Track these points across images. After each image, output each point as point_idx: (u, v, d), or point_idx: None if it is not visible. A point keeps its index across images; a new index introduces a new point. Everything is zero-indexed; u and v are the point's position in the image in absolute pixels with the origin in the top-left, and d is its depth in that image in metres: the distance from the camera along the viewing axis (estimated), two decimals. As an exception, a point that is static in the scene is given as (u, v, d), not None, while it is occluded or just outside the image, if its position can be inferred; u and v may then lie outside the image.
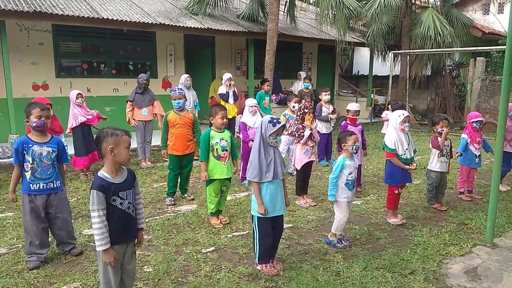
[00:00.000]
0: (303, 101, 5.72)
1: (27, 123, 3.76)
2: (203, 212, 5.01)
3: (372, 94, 14.44)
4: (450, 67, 14.74)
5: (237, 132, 6.83)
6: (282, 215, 3.74)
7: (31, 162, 3.66)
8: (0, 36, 7.76)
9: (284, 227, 3.92)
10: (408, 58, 13.14)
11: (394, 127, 4.72)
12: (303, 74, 12.08)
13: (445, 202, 5.56)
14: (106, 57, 10.31)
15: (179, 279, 3.52)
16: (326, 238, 4.32)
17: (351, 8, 11.08)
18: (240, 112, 8.13)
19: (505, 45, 4.12)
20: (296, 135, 5.45)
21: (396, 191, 4.85)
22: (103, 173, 2.71)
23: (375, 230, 4.64)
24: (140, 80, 7.42)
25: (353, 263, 3.83)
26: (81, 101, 6.39)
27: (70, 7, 8.45)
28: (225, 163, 4.63)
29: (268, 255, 3.67)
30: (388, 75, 13.07)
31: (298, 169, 5.45)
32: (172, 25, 9.43)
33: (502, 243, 4.35)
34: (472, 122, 5.73)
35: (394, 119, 4.74)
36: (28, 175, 3.69)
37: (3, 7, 7.28)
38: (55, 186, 3.79)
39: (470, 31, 14.21)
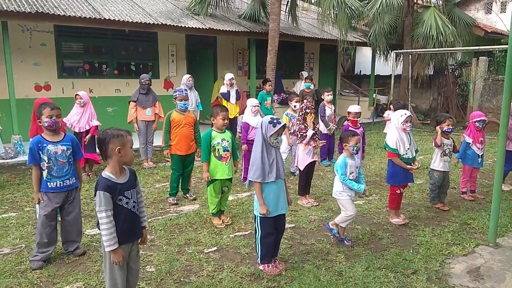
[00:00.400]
0: (305, 101, 5.70)
1: (40, 123, 3.81)
2: (205, 212, 5.01)
3: (374, 94, 14.42)
4: (453, 67, 14.71)
5: (239, 132, 6.83)
6: (284, 214, 3.74)
7: (47, 161, 3.70)
8: (2, 37, 7.80)
9: (286, 227, 3.93)
10: (410, 58, 13.12)
11: (396, 127, 4.72)
12: (305, 74, 12.07)
13: (448, 202, 5.55)
14: (108, 57, 10.34)
15: (182, 279, 3.53)
16: (327, 223, 4.34)
17: (353, 7, 11.06)
18: (242, 112, 8.13)
19: (507, 44, 4.10)
20: (298, 136, 5.44)
21: (398, 191, 4.84)
22: (107, 173, 2.72)
23: (377, 230, 4.63)
24: (143, 80, 7.43)
25: (356, 263, 3.83)
26: (79, 102, 6.38)
27: (72, 8, 8.47)
28: (227, 163, 4.64)
29: (270, 255, 3.67)
30: (390, 74, 13.05)
31: (301, 169, 5.45)
32: (173, 25, 9.44)
33: (505, 243, 4.34)
34: (475, 121, 5.71)
35: (396, 118, 4.73)
36: (44, 173, 3.73)
37: (5, 8, 7.31)
38: (71, 183, 3.85)
39: (473, 30, 14.18)
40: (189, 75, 8.42)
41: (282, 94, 12.30)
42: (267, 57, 10.30)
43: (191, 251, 4.05)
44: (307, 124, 5.38)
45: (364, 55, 18.19)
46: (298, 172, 5.75)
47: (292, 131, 6.47)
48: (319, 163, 6.27)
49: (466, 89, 13.60)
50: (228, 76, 8.44)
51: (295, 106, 6.51)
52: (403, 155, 4.69)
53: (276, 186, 3.59)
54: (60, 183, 3.76)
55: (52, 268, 3.70)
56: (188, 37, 11.27)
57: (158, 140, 7.60)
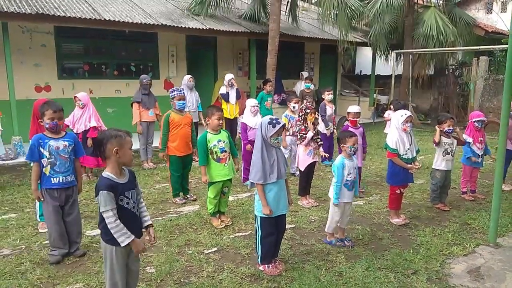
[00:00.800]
0: (304, 101, 5.70)
1: (41, 123, 3.84)
2: (205, 213, 5.01)
3: (374, 94, 14.40)
4: (453, 67, 14.69)
5: (239, 132, 6.82)
6: (285, 214, 3.74)
7: (48, 156, 3.73)
8: (2, 38, 7.81)
9: (286, 227, 3.92)
10: (410, 58, 13.10)
11: (396, 127, 4.71)
12: (305, 74, 12.06)
13: (448, 202, 5.54)
14: (108, 58, 10.34)
15: (182, 280, 3.53)
16: (324, 239, 4.31)
17: (353, 7, 11.05)
18: (242, 112, 8.12)
19: (508, 44, 4.10)
20: (298, 137, 5.43)
21: (398, 191, 4.84)
22: (108, 173, 2.74)
23: (377, 230, 4.63)
24: (144, 81, 7.43)
25: (356, 263, 3.83)
26: (78, 104, 6.37)
27: (72, 8, 8.48)
28: (226, 164, 4.63)
29: (270, 255, 3.67)
30: (391, 74, 13.03)
31: (302, 170, 5.44)
32: (174, 26, 9.45)
33: (505, 243, 4.33)
34: (474, 121, 5.71)
35: (396, 119, 4.73)
36: (47, 170, 3.75)
37: (5, 9, 7.32)
38: (71, 179, 3.88)
39: (473, 30, 14.16)
40: (189, 76, 8.42)
41: (283, 94, 12.29)
42: (267, 57, 10.29)
43: (191, 251, 4.05)
44: (307, 124, 5.37)
45: (365, 55, 18.18)
46: (298, 172, 5.74)
47: (291, 132, 6.47)
48: (319, 163, 6.27)
49: (467, 89, 13.59)
50: (228, 76, 8.44)
51: (293, 107, 6.51)
52: (403, 155, 4.69)
53: (277, 187, 3.58)
54: (63, 179, 3.80)
55: (52, 269, 3.70)
56: (188, 38, 11.27)
57: (158, 141, 7.62)
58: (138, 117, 7.34)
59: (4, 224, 4.76)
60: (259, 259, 3.68)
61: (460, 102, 14.26)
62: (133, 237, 2.71)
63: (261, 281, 3.51)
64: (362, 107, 6.61)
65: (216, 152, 4.58)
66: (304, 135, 5.35)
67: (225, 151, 4.63)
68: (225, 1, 11.09)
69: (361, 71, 18.97)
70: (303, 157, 5.41)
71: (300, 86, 11.66)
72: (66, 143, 3.82)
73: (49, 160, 3.74)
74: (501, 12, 18.06)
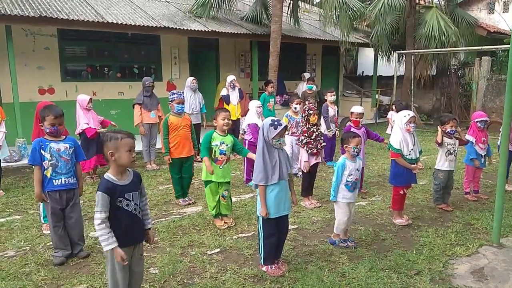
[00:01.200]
0: (306, 102, 5.71)
1: (42, 127, 3.86)
2: (208, 214, 5.02)
3: (377, 95, 14.40)
4: (455, 67, 14.67)
5: (242, 134, 6.84)
6: (287, 215, 3.75)
7: (49, 158, 3.75)
8: (6, 41, 7.86)
9: (289, 228, 3.92)
10: (412, 58, 13.10)
11: (399, 127, 4.71)
12: (307, 75, 12.08)
13: (451, 202, 5.53)
14: (111, 60, 10.39)
15: (185, 281, 3.54)
16: (329, 238, 4.32)
17: (354, 8, 11.07)
18: (244, 114, 8.14)
19: (510, 44, 4.10)
20: (301, 139, 5.41)
21: (401, 192, 4.84)
22: (109, 175, 2.76)
23: (380, 231, 4.63)
24: (147, 83, 7.46)
25: (359, 264, 3.83)
26: (90, 106, 6.43)
27: (75, 11, 8.52)
28: (221, 167, 4.65)
29: (273, 256, 3.68)
30: (393, 75, 13.03)
31: (305, 171, 5.44)
32: (176, 28, 9.48)
33: (509, 243, 4.32)
34: (476, 121, 5.70)
35: (399, 119, 4.73)
36: (49, 172, 3.77)
37: (9, 12, 7.37)
38: (73, 181, 3.90)
39: (475, 30, 14.14)
40: (193, 78, 8.44)
41: (285, 95, 12.30)
42: (269, 59, 10.32)
43: (194, 252, 4.06)
44: (310, 125, 5.37)
45: (367, 56, 18.18)
46: (300, 173, 5.74)
47: (290, 132, 6.47)
48: (323, 164, 6.28)
49: (469, 89, 13.57)
50: (230, 78, 8.47)
51: (295, 108, 6.52)
52: (406, 155, 4.69)
53: (278, 188, 3.59)
54: (65, 180, 3.83)
55: (56, 270, 3.72)
56: (191, 40, 11.31)
57: (161, 143, 7.65)
58: (140, 118, 7.37)
59: (9, 225, 4.79)
60: (262, 260, 3.69)
61: (462, 102, 14.25)
62: (115, 245, 2.68)
63: (264, 282, 3.51)
64: (364, 108, 6.60)
65: (215, 152, 4.62)
66: (305, 139, 5.33)
67: (224, 154, 4.65)
68: (227, 3, 11.13)
69: (363, 72, 18.97)
70: (306, 158, 5.41)
71: (302, 87, 11.68)
72: (67, 145, 3.85)
73: (51, 162, 3.76)
74: (503, 12, 18.01)
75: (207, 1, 10.62)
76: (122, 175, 2.79)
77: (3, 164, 6.44)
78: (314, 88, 10.26)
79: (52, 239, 3.92)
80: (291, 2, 12.12)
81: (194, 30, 9.76)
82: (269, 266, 3.66)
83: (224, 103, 8.42)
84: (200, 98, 8.44)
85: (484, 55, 12.94)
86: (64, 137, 3.92)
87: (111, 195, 2.70)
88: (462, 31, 13.07)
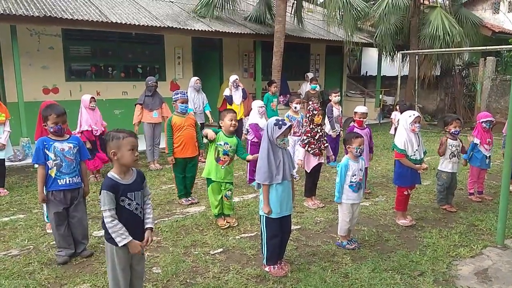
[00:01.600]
0: (310, 102, 5.70)
1: (45, 127, 3.86)
2: (211, 214, 5.02)
3: (380, 95, 14.37)
4: (460, 67, 14.60)
5: (245, 133, 6.83)
6: (290, 215, 3.74)
7: (54, 158, 3.76)
8: (11, 40, 7.90)
9: (292, 228, 3.92)
10: (416, 58, 13.05)
11: (404, 128, 4.69)
12: (310, 75, 12.07)
13: (455, 203, 5.51)
14: (115, 60, 10.42)
15: (188, 281, 3.54)
16: (336, 242, 4.30)
17: (358, 8, 11.05)
18: (247, 114, 8.14)
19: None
20: (303, 138, 5.41)
21: (406, 192, 4.82)
22: (112, 174, 2.77)
23: (384, 232, 4.61)
24: (150, 82, 7.47)
25: (362, 264, 3.82)
26: (94, 105, 6.44)
27: (80, 11, 8.55)
28: (223, 167, 4.64)
29: (275, 256, 3.67)
30: (397, 75, 12.99)
31: (308, 171, 5.43)
32: (180, 28, 9.50)
33: (513, 245, 4.30)
34: (482, 122, 5.67)
35: (404, 119, 4.71)
36: (53, 171, 3.78)
37: (14, 12, 7.40)
38: (77, 181, 3.91)
39: (480, 30, 14.08)
40: (196, 78, 8.46)
41: (288, 95, 12.28)
42: (273, 58, 10.31)
43: (197, 252, 4.06)
44: (314, 125, 5.36)
45: (370, 56, 18.14)
46: (296, 174, 5.70)
47: (292, 132, 6.46)
48: (325, 164, 6.27)
49: (474, 90, 13.50)
50: (232, 78, 8.47)
51: (295, 108, 6.52)
52: (411, 156, 4.67)
53: (281, 188, 3.58)
54: (69, 180, 3.83)
55: (60, 270, 3.73)
56: (194, 40, 11.33)
57: (164, 142, 7.66)
58: (138, 118, 7.39)
59: (13, 224, 4.81)
60: (265, 260, 3.69)
61: (466, 102, 14.17)
62: (130, 238, 2.71)
63: (266, 282, 3.51)
64: (368, 108, 6.58)
65: (219, 151, 4.62)
66: (307, 139, 5.32)
67: (227, 155, 4.65)
68: (230, 3, 11.13)
69: (366, 72, 18.92)
70: (309, 158, 5.40)
71: (306, 87, 11.67)
72: (71, 145, 3.86)
73: (55, 162, 3.77)
74: (508, 12, 17.92)
75: (211, 1, 10.63)
76: (125, 174, 2.80)
77: (7, 163, 6.47)
78: (318, 88, 10.24)
79: (55, 238, 3.94)
80: (295, 2, 12.11)
81: (198, 30, 9.77)
82: (272, 266, 3.66)
83: (227, 103, 8.42)
84: (204, 98, 8.45)
85: (488, 55, 12.87)
86: (68, 136, 3.93)
87: (114, 193, 2.71)
88: (467, 31, 13.02)
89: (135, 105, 7.50)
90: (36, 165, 3.91)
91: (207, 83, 11.20)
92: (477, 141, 5.66)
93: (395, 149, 4.77)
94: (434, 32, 12.10)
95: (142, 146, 6.31)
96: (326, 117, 7.41)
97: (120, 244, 2.70)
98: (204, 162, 4.99)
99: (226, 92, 8.49)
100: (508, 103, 10.95)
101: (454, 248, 4.18)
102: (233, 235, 4.51)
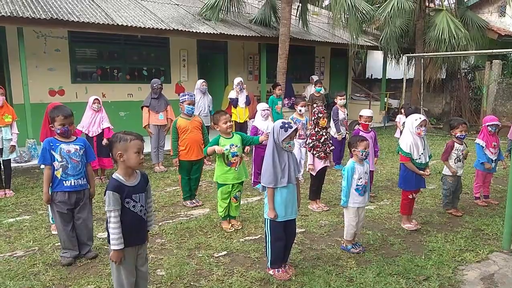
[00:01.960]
0: (314, 105, 5.69)
1: (52, 128, 3.88)
2: (215, 216, 5.02)
3: (385, 98, 14.33)
4: (466, 70, 14.53)
5: (249, 135, 6.84)
6: (295, 219, 3.73)
7: (60, 159, 3.77)
8: (18, 42, 7.96)
9: (296, 231, 3.90)
10: (422, 61, 13.00)
11: (410, 131, 4.67)
12: (315, 78, 12.05)
13: (461, 207, 5.47)
14: (121, 62, 10.47)
15: (192, 283, 3.54)
16: (341, 245, 4.28)
17: (364, 11, 11.03)
18: (252, 116, 8.15)
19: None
20: (309, 141, 5.39)
21: (410, 196, 4.79)
22: (117, 175, 2.78)
23: (389, 236, 4.59)
24: (155, 85, 7.50)
25: (367, 268, 3.79)
26: (96, 106, 6.49)
27: (86, 14, 8.61)
28: (236, 168, 4.62)
29: (280, 260, 3.66)
30: (402, 78, 12.95)
31: (314, 174, 5.42)
32: (185, 30, 9.53)
33: (520, 250, 4.26)
34: (487, 125, 5.64)
35: (410, 122, 4.68)
36: (59, 173, 3.79)
37: (21, 15, 7.47)
38: (83, 183, 3.92)
39: (486, 33, 14.00)
40: (202, 80, 8.48)
41: (293, 98, 12.28)
42: (278, 61, 10.32)
43: (201, 255, 4.06)
44: (319, 128, 5.35)
45: (376, 59, 18.10)
46: (301, 177, 5.68)
47: (297, 135, 6.45)
48: (331, 167, 6.25)
49: (479, 93, 13.42)
50: (237, 80, 8.47)
51: (300, 111, 6.52)
52: (416, 159, 4.64)
53: (286, 191, 3.58)
54: (75, 182, 3.84)
55: (64, 271, 3.75)
56: (200, 42, 11.36)
57: (169, 144, 7.67)
58: (147, 120, 7.41)
59: (18, 225, 4.84)
60: (269, 263, 3.67)
61: (472, 106, 14.08)
62: (122, 246, 2.72)
63: (270, 286, 3.50)
64: (373, 111, 6.56)
65: (227, 156, 4.58)
66: (313, 142, 5.30)
67: (237, 155, 4.62)
68: (236, 6, 11.16)
69: (371, 74, 18.89)
70: (315, 162, 5.38)
71: (311, 90, 11.66)
72: (77, 146, 3.87)
73: (61, 163, 3.78)
74: (515, 15, 17.80)
75: (216, 4, 10.66)
76: (130, 176, 2.81)
77: (13, 165, 6.51)
78: (323, 91, 10.22)
79: (60, 239, 3.95)
80: (300, 5, 12.11)
81: (203, 32, 9.81)
82: (276, 269, 3.64)
83: (232, 106, 8.43)
84: (209, 101, 8.46)
85: (495, 58, 12.79)
86: (75, 138, 3.95)
87: (120, 195, 2.73)
88: (473, 34, 12.94)
89: (142, 107, 7.52)
90: (42, 166, 3.93)
91: (212, 85, 11.22)
92: (482, 143, 5.63)
93: (400, 152, 4.74)
94: (440, 35, 12.05)
95: (147, 148, 6.33)
96: (332, 120, 7.40)
97: (112, 247, 2.72)
98: (209, 164, 4.98)
99: (231, 94, 8.49)
100: (514, 106, 10.88)
101: (459, 253, 4.15)
102: (237, 237, 4.50)
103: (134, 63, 10.67)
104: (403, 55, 13.45)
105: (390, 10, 12.00)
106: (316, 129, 5.36)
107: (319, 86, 10.06)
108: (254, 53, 12.73)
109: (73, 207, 3.90)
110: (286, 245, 3.68)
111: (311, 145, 5.33)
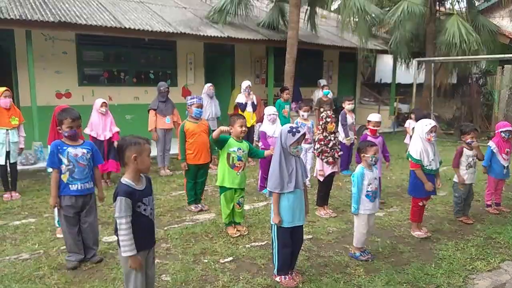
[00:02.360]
0: (322, 109, 5.63)
1: (60, 130, 3.87)
2: (221, 221, 4.96)
3: (395, 103, 14.21)
4: (477, 75, 14.37)
5: (256, 140, 6.79)
6: (302, 226, 3.66)
7: (67, 163, 3.75)
8: (26, 45, 8.00)
9: (304, 238, 3.83)
10: (432, 66, 12.88)
11: (420, 137, 4.57)
12: (323, 82, 11.99)
13: (472, 215, 5.36)
14: (128, 65, 10.49)
15: (197, 290, 3.48)
16: (349, 252, 4.20)
17: (373, 15, 10.96)
18: (260, 120, 8.10)
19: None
20: (317, 146, 5.32)
21: (421, 203, 4.70)
22: (126, 180, 2.75)
23: (398, 243, 4.50)
24: (162, 88, 7.48)
25: (375, 277, 3.71)
26: (103, 110, 6.48)
27: (93, 17, 8.64)
28: (238, 173, 4.58)
29: (287, 266, 3.59)
30: (412, 83, 12.82)
31: (321, 180, 5.35)
32: (193, 34, 9.53)
33: (534, 259, 4.14)
34: (501, 131, 5.53)
35: (420, 128, 4.59)
36: (65, 177, 3.77)
37: (29, 18, 7.51)
38: (89, 187, 3.90)
39: (497, 38, 13.83)
40: (210, 84, 8.46)
41: (300, 102, 12.22)
42: (285, 65, 10.27)
43: (206, 260, 4.01)
44: (327, 133, 5.27)
45: (385, 63, 17.96)
46: (308, 182, 5.61)
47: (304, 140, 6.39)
48: (339, 172, 6.18)
49: (491, 99, 13.23)
50: (245, 84, 8.43)
51: (303, 116, 6.46)
52: (426, 166, 4.55)
53: (293, 196, 3.51)
54: (81, 186, 3.82)
55: (69, 275, 3.72)
56: (206, 45, 11.34)
57: (175, 148, 7.64)
58: (154, 124, 7.39)
59: (24, 228, 4.82)
60: (276, 270, 3.61)
61: (483, 111, 13.90)
62: (135, 252, 2.70)
63: (277, 293, 3.43)
64: (382, 116, 6.47)
65: (233, 158, 4.55)
66: (321, 148, 5.23)
67: (241, 161, 4.59)
68: (243, 9, 11.13)
69: (381, 79, 18.74)
70: (322, 167, 5.31)
71: (318, 94, 11.58)
72: (85, 150, 3.85)
73: (68, 167, 3.76)
74: (526, 19, 17.58)
75: (223, 7, 10.65)
76: (138, 181, 2.80)
77: (19, 167, 6.52)
78: (330, 94, 10.14)
79: (66, 243, 3.92)
80: (308, 8, 12.07)
81: (211, 36, 9.79)
82: (283, 276, 3.58)
83: (240, 110, 8.39)
84: (217, 105, 8.43)
85: (506, 63, 12.60)
86: (82, 141, 3.92)
87: (132, 200, 2.70)
88: (484, 38, 12.78)
89: (148, 110, 7.50)
90: (49, 170, 3.91)
91: (219, 89, 11.19)
92: (493, 146, 5.51)
93: (410, 159, 4.65)
94: (451, 40, 11.90)
95: (152, 151, 6.31)
96: (340, 124, 7.32)
97: (124, 254, 2.69)
98: (215, 169, 4.94)
99: (240, 99, 8.45)
100: (526, 112, 10.71)
101: (470, 261, 4.05)
102: (243, 243, 4.44)
103: (141, 66, 10.68)
104: (413, 59, 13.31)
105: (400, 14, 11.89)
106: (324, 134, 5.29)
107: (326, 89, 9.98)
108: (262, 56, 12.69)
109: (80, 211, 3.87)
110: (293, 251, 3.61)
111: (319, 150, 5.26)
